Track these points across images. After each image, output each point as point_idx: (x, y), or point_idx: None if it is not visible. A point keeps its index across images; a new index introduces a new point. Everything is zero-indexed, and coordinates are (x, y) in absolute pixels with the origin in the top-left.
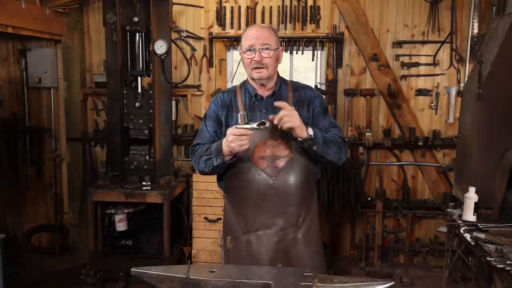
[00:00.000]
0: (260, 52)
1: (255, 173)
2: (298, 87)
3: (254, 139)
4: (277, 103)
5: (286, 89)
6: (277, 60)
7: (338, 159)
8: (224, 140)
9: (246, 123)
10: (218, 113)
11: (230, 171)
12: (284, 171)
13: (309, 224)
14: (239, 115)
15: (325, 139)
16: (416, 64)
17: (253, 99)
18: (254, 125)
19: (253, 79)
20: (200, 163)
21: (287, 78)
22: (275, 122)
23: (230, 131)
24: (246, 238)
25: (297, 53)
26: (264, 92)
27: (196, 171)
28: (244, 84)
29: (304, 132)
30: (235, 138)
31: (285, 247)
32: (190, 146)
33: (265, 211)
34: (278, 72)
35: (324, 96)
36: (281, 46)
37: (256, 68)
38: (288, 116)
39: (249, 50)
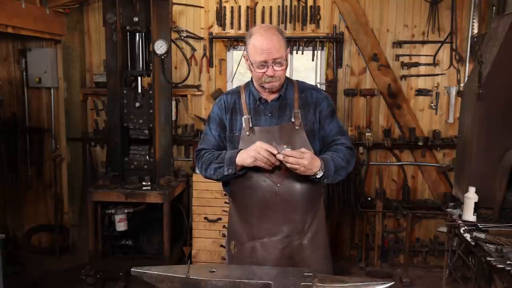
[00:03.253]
0: (273, 67)
1: (260, 179)
2: (304, 88)
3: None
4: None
5: (292, 90)
6: (287, 67)
7: (346, 176)
8: (243, 152)
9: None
10: (222, 116)
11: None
12: (289, 177)
13: (316, 229)
14: (243, 119)
15: (336, 168)
16: (416, 64)
17: (258, 102)
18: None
19: (263, 87)
20: (209, 170)
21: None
22: (281, 157)
23: (260, 144)
24: (251, 245)
25: (297, 53)
26: (269, 96)
27: (201, 175)
28: (248, 85)
29: (311, 172)
30: (262, 157)
31: (291, 253)
32: (195, 150)
33: (270, 218)
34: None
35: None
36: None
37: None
38: (294, 160)
39: (262, 65)
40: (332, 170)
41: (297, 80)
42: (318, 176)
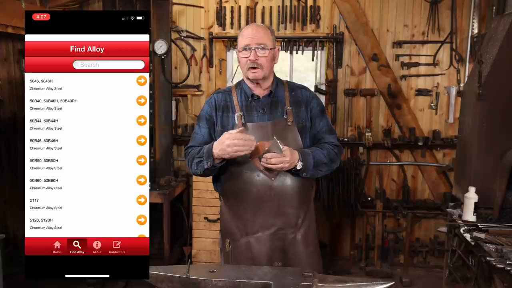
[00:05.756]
0: (256, 52)
1: (254, 174)
2: (294, 87)
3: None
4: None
5: (282, 89)
6: (273, 60)
7: (329, 173)
8: (216, 143)
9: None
10: (211, 114)
11: (228, 173)
12: (283, 171)
13: (308, 225)
14: (235, 116)
15: (316, 163)
16: (416, 64)
17: (250, 99)
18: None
19: (248, 78)
20: (193, 165)
21: (287, 78)
22: (264, 161)
23: (229, 135)
24: (245, 240)
25: (297, 53)
26: (260, 92)
27: (191, 173)
28: (240, 84)
29: (293, 165)
30: (239, 142)
31: (284, 248)
32: (184, 149)
33: (264, 212)
34: (274, 73)
35: (323, 96)
36: (277, 46)
37: (251, 68)
38: (276, 160)
39: (245, 49)
40: (311, 164)
41: (287, 81)
42: (298, 168)
